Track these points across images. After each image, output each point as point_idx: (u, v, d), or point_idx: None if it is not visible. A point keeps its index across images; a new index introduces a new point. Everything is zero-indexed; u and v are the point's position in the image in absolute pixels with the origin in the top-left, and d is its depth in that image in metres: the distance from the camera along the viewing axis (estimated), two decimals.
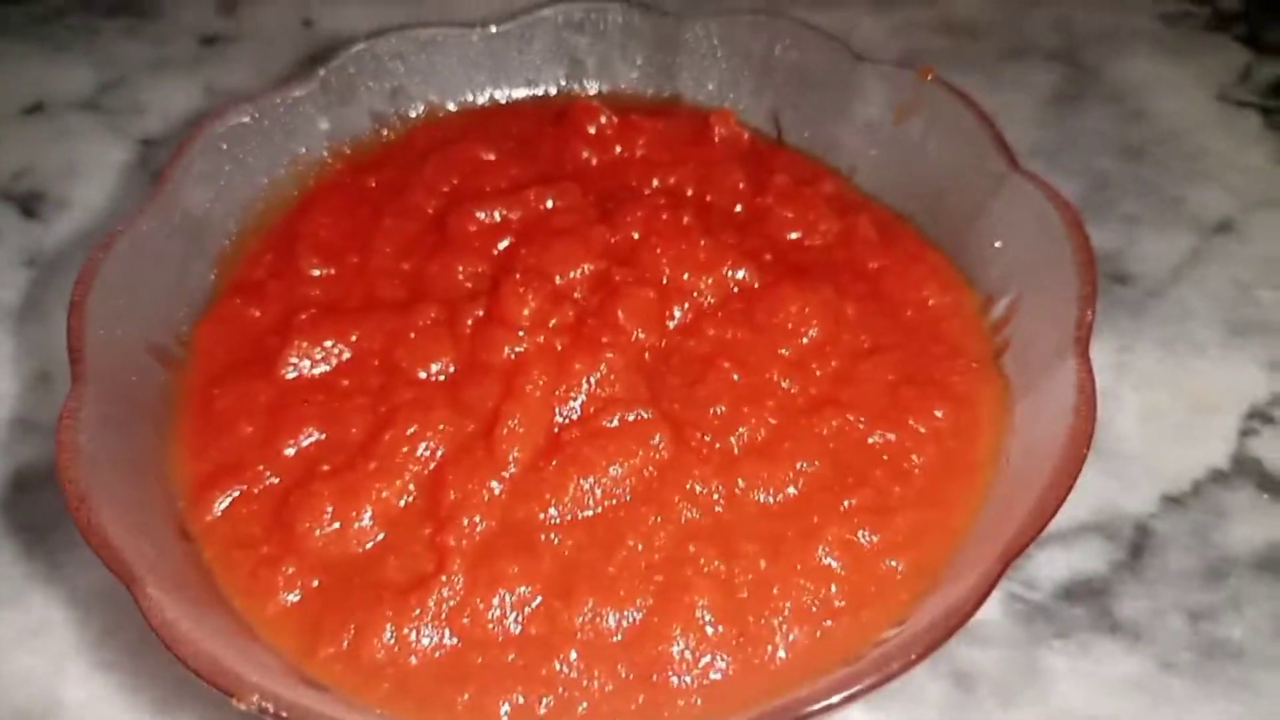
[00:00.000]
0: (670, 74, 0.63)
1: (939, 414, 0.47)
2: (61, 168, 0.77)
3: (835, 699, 0.36)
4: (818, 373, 0.49)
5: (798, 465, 0.46)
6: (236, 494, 0.46)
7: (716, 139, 0.61)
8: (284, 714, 0.34)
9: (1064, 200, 0.48)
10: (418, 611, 0.42)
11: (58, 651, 0.52)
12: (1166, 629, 0.55)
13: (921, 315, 0.52)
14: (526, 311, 0.49)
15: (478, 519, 0.44)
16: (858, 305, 0.52)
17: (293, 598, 0.43)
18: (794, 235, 0.56)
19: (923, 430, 0.47)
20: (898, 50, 0.88)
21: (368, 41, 0.59)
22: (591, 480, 0.45)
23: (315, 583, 0.43)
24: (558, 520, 0.44)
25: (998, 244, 0.52)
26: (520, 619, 0.42)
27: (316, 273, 0.54)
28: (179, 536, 0.45)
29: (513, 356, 0.49)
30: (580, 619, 0.41)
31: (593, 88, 0.64)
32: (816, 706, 0.36)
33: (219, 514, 0.45)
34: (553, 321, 0.50)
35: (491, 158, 0.59)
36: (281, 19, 0.91)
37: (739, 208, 0.57)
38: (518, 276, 0.50)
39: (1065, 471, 0.38)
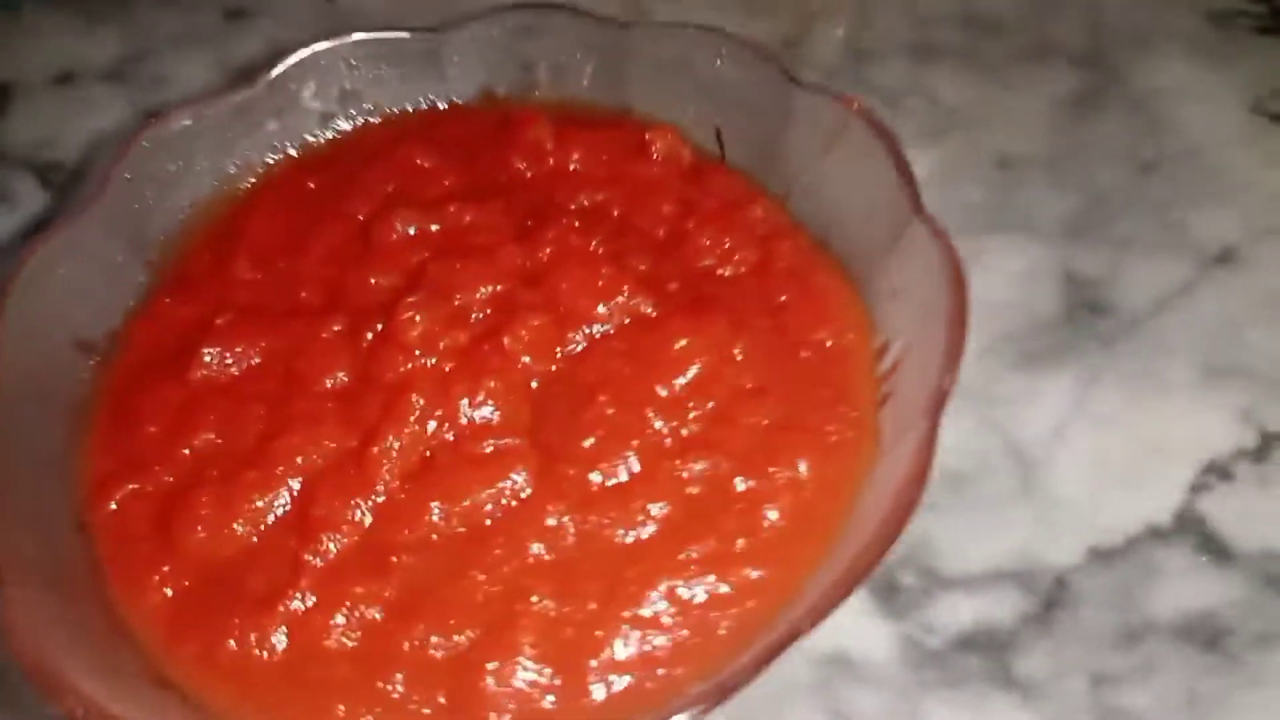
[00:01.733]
0: (621, 85, 0.62)
1: (802, 465, 0.47)
2: (81, 139, 0.82)
3: None
4: (693, 413, 0.49)
5: (649, 508, 0.46)
6: (132, 490, 0.49)
7: (655, 155, 0.60)
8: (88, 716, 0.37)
9: (952, 252, 0.46)
10: (266, 622, 0.44)
11: None
12: (1065, 690, 0.53)
13: (817, 356, 0.51)
14: (415, 333, 0.50)
15: (339, 537, 0.46)
16: (753, 342, 0.51)
17: (166, 594, 0.46)
18: (708, 263, 0.55)
19: (781, 480, 0.47)
20: (910, 42, 0.85)
21: (314, 47, 0.60)
22: (451, 507, 0.47)
23: (185, 584, 0.47)
24: (413, 544, 0.46)
25: (895, 289, 0.50)
26: (357, 638, 0.44)
27: (248, 275, 0.57)
28: (75, 528, 0.48)
29: (399, 376, 0.50)
30: (409, 644, 0.43)
31: (543, 95, 0.64)
32: None
33: (113, 509, 0.49)
34: (443, 343, 0.51)
35: (427, 164, 0.60)
36: None
37: (662, 232, 0.57)
38: (411, 298, 0.51)
39: (871, 549, 0.38)
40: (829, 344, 0.52)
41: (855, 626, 0.55)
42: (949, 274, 0.46)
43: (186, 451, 0.50)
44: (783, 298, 0.54)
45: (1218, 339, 0.66)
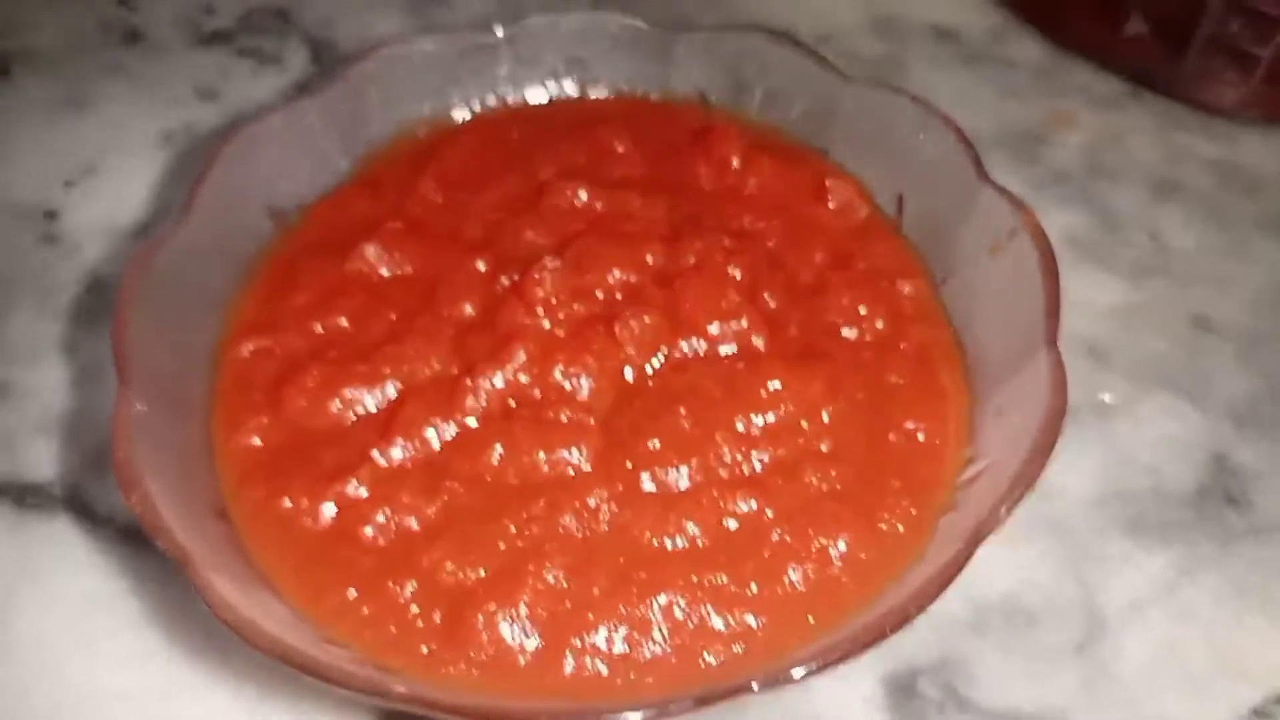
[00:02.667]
0: (824, 127, 0.63)
1: (841, 542, 0.47)
2: (355, 28, 0.90)
3: None
4: (759, 454, 0.50)
5: (684, 523, 0.48)
6: (264, 345, 0.55)
7: (830, 203, 0.61)
8: (143, 515, 0.43)
9: (1061, 395, 0.45)
10: (319, 493, 0.49)
11: None
12: None
13: (903, 445, 0.51)
14: (540, 292, 0.54)
15: (408, 448, 0.50)
16: (845, 410, 0.51)
17: (255, 442, 0.52)
18: (835, 319, 0.56)
19: (815, 548, 0.47)
20: (1155, 174, 0.81)
21: (563, 14, 0.64)
22: (513, 458, 0.50)
23: (273, 439, 0.52)
24: (467, 476, 0.50)
25: (1001, 408, 0.49)
26: (389, 538, 0.48)
27: (429, 196, 0.62)
28: (209, 361, 0.55)
29: (515, 326, 0.54)
30: (428, 560, 0.47)
31: (750, 115, 0.65)
32: None
33: (244, 355, 0.55)
34: (562, 313, 0.54)
35: (620, 148, 0.63)
36: None
37: (806, 276, 0.58)
38: (550, 261, 0.55)
39: (845, 645, 0.38)
40: (920, 438, 0.51)
41: (859, 717, 0.55)
42: (1049, 415, 0.44)
43: (319, 329, 0.56)
44: (894, 379, 0.53)
45: None
